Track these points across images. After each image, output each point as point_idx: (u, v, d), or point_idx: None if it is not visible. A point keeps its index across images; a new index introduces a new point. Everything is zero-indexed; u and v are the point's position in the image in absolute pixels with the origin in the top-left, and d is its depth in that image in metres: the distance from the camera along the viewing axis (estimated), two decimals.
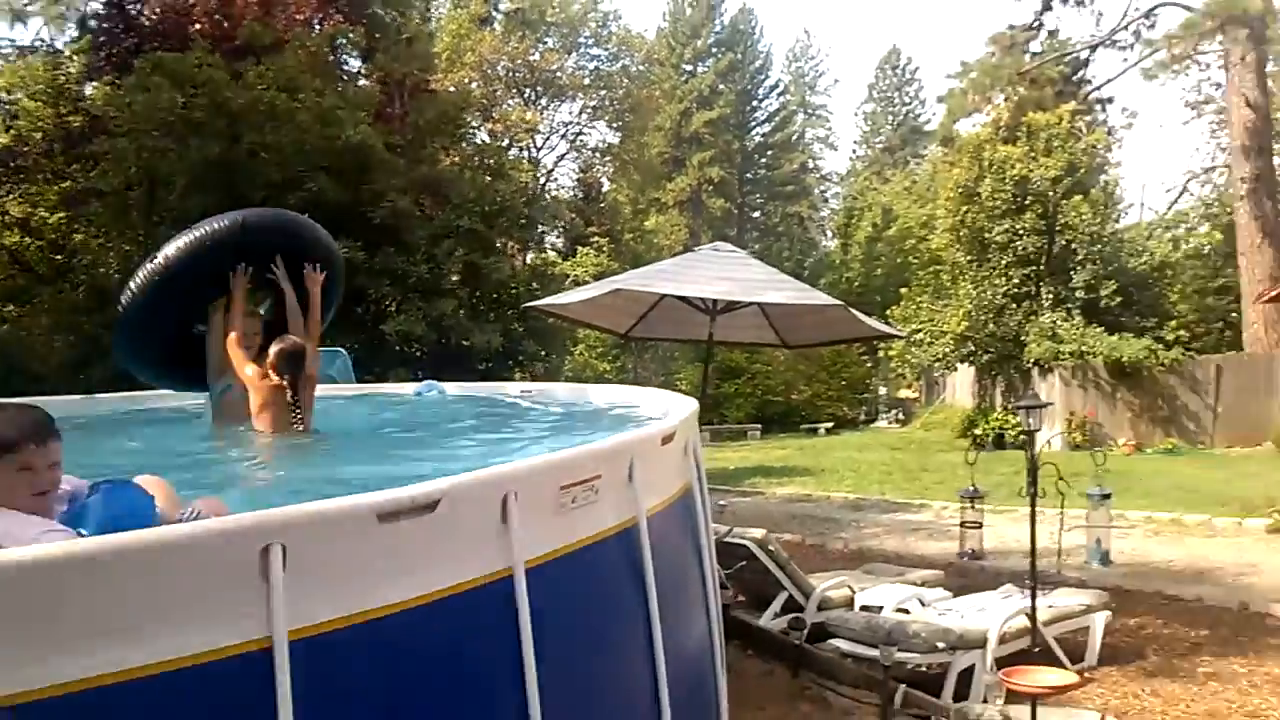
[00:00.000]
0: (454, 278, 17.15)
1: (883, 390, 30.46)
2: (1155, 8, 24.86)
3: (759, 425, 25.91)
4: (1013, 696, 4.34)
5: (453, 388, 7.08)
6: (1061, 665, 6.19)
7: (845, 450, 21.71)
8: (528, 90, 30.97)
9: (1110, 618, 6.81)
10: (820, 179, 54.99)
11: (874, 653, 5.34)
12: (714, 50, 45.11)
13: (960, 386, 25.95)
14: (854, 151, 55.67)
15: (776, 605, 7.03)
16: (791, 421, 26.78)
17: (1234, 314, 24.26)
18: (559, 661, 2.68)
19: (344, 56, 20.21)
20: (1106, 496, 10.01)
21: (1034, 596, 5.76)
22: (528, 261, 23.27)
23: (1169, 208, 34.79)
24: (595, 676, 3.01)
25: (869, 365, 29.32)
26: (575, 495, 2.92)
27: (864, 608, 6.87)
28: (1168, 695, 5.91)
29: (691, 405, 4.19)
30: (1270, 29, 22.76)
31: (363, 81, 19.45)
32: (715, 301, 7.05)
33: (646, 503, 3.24)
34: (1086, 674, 6.37)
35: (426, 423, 5.97)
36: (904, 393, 30.92)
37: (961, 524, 10.44)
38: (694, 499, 3.82)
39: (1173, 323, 22.31)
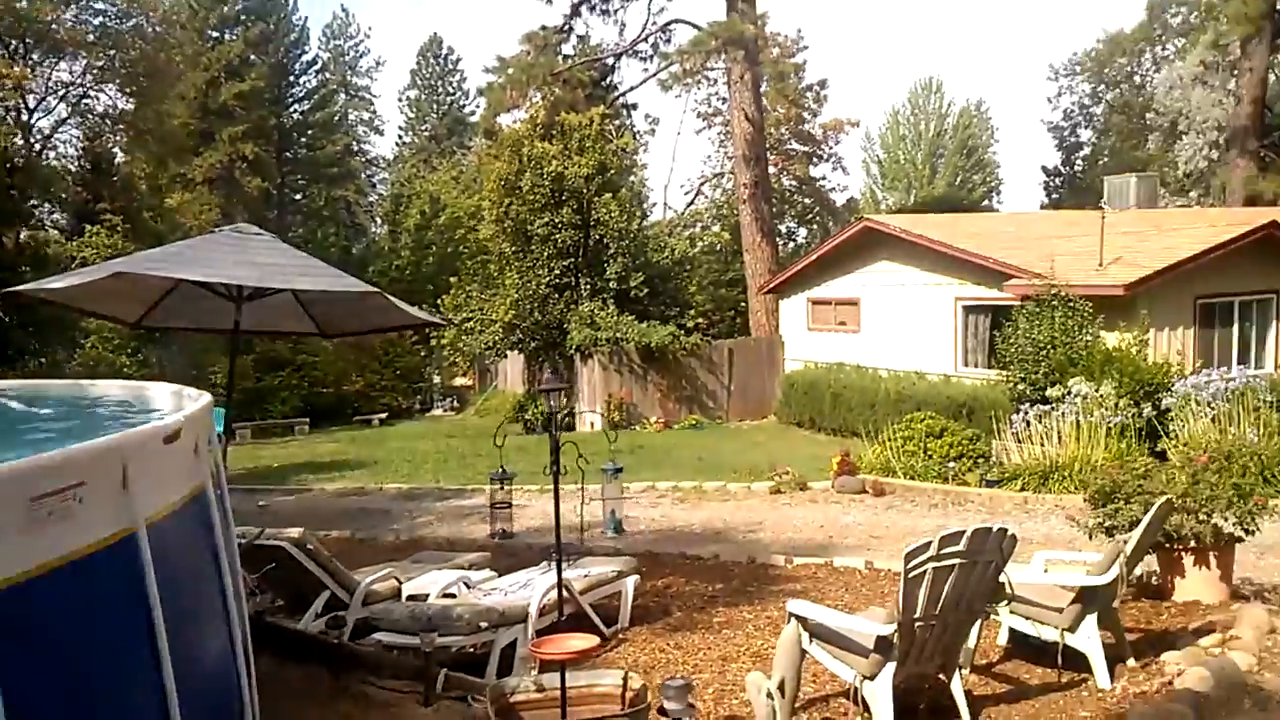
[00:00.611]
0: None
1: (437, 379, 30.54)
2: (670, 24, 27.43)
3: (307, 419, 24.77)
4: (549, 665, 4.46)
5: None
6: (597, 630, 6.59)
7: (400, 440, 21.46)
8: (14, 42, 26.70)
9: (639, 581, 7.35)
10: (367, 163, 53.85)
11: (418, 641, 5.28)
12: (243, 18, 42.08)
13: (512, 373, 26.78)
14: (400, 137, 55.26)
15: (318, 605, 6.74)
16: (343, 413, 25.94)
17: (743, 303, 27.52)
18: (43, 693, 2.37)
19: None
20: (619, 471, 10.89)
21: (559, 568, 6.03)
22: (20, 240, 20.11)
23: (686, 208, 38.74)
24: (87, 705, 2.68)
25: (423, 354, 29.22)
26: (52, 506, 2.57)
27: (411, 597, 6.79)
28: (689, 646, 6.49)
29: (203, 400, 3.79)
30: (763, 53, 26.02)
31: None
32: (240, 288, 6.52)
33: (147, 510, 2.90)
34: (620, 635, 6.82)
35: None
36: (459, 381, 31.27)
37: (491, 505, 10.77)
38: (208, 502, 3.46)
39: (692, 311, 24.79)
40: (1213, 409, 12.16)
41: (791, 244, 40.09)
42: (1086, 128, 49.64)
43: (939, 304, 18.42)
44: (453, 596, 6.74)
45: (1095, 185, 27.75)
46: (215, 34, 41.69)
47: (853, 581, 8.17)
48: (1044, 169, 50.39)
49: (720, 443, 18.70)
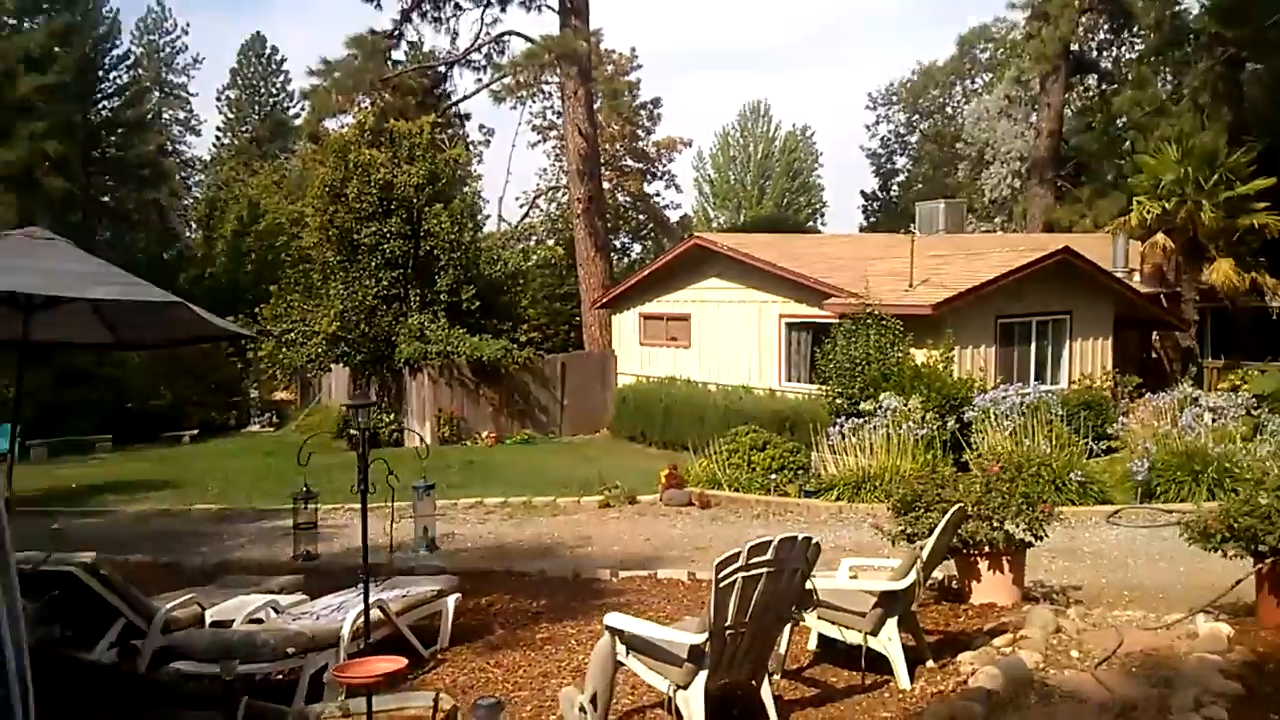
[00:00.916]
0: None
1: (255, 393, 29.20)
2: (503, 35, 27.33)
3: (110, 436, 23.23)
4: (357, 690, 4.32)
5: None
6: (415, 651, 6.43)
7: (212, 459, 20.41)
8: None
9: (460, 599, 7.22)
10: (182, 164, 51.17)
11: (219, 669, 5.00)
12: (45, 6, 39.23)
13: (336, 387, 25.91)
14: (219, 138, 52.82)
15: (112, 635, 6.31)
16: (151, 430, 24.43)
17: (577, 317, 27.60)
18: None
19: None
20: (430, 488, 10.73)
21: (366, 589, 5.86)
22: None
23: (520, 221, 38.61)
24: None
25: (240, 367, 27.87)
26: None
27: (215, 624, 6.47)
28: (509, 664, 6.41)
29: None
30: (597, 69, 26.26)
31: None
32: (30, 297, 6.06)
33: None
34: (440, 655, 6.68)
35: None
36: (279, 395, 30.02)
37: (295, 527, 10.40)
38: None
39: (526, 325, 24.68)
40: (1010, 422, 13.00)
41: (626, 259, 40.58)
42: (902, 155, 52.50)
43: (765, 321, 19.01)
44: (260, 622, 6.45)
45: (910, 210, 29.31)
46: (12, 21, 38.70)
47: (675, 593, 8.28)
48: (863, 193, 53.04)
49: (552, 457, 18.66)
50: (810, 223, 52.12)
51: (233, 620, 6.40)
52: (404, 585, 7.22)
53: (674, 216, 43.74)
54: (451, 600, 7.03)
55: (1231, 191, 19.69)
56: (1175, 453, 12.07)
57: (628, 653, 4.86)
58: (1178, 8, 34.27)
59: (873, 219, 49.60)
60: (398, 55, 29.22)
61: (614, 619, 4.89)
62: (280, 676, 6.03)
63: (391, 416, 21.16)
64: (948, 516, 5.95)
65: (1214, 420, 12.60)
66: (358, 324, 21.26)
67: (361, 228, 21.23)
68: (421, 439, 20.29)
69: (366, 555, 5.72)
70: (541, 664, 6.39)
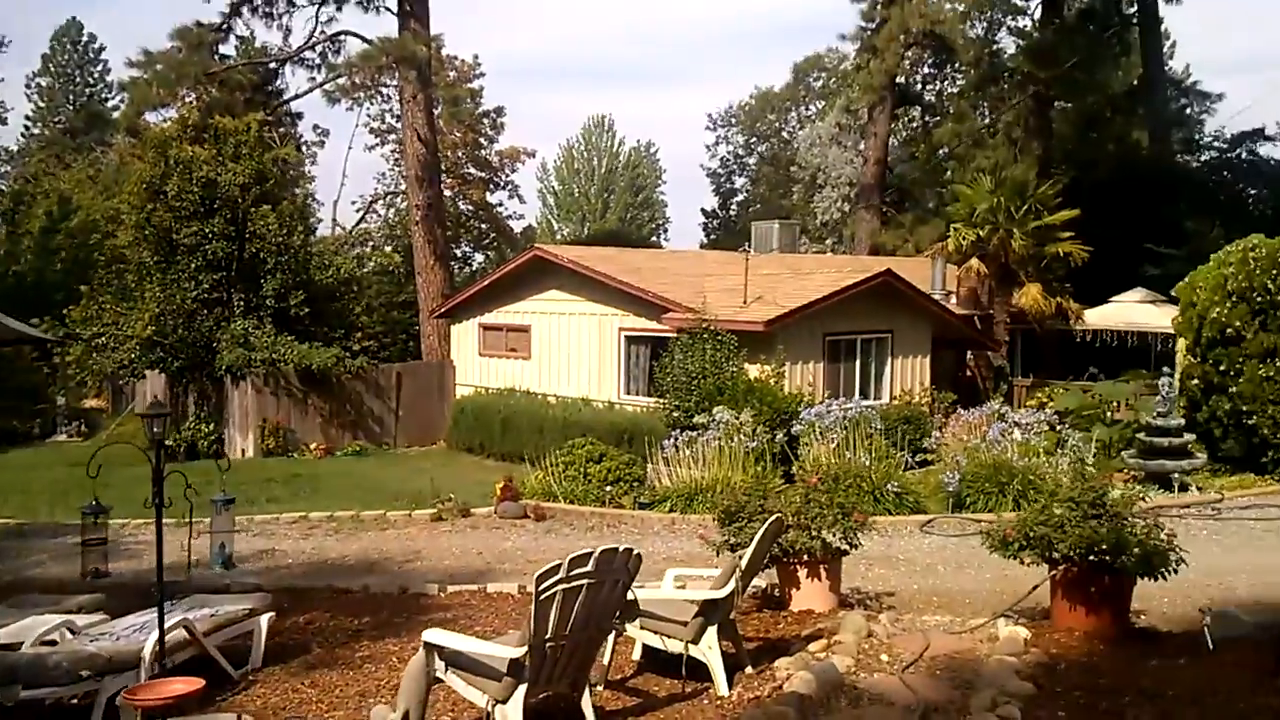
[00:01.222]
0: None
1: (62, 400, 27.24)
2: (339, 35, 26.55)
3: None
4: (153, 713, 4.06)
5: None
6: (226, 672, 6.12)
7: (13, 471, 18.90)
8: None
9: (276, 618, 6.91)
10: None
11: None
12: None
13: (152, 395, 24.46)
14: (28, 128, 49.24)
15: None
16: None
17: (415, 327, 27.01)
18: None
19: None
20: (229, 502, 10.37)
21: (161, 607, 5.58)
22: None
23: (355, 226, 37.56)
24: None
25: (45, 372, 25.96)
26: None
27: (2, 647, 5.98)
28: (325, 684, 6.17)
29: None
30: (438, 75, 25.84)
31: None
32: None
33: None
34: (251, 676, 6.37)
35: None
36: (89, 402, 28.10)
37: (83, 542, 9.84)
38: None
39: (359, 334, 23.98)
40: (835, 435, 13.49)
41: (467, 268, 40.07)
42: (741, 176, 53.94)
43: (605, 333, 19.12)
44: (54, 644, 6.00)
45: (748, 229, 30.12)
46: None
47: (505, 607, 8.18)
48: (704, 211, 54.15)
49: (385, 470, 18.19)
50: (653, 238, 52.91)
51: (21, 643, 5.94)
52: (215, 604, 6.87)
53: (518, 227, 43.63)
54: (265, 619, 6.73)
55: (1040, 221, 21.10)
56: (984, 465, 12.79)
57: (446, 669, 4.76)
58: (995, 46, 36.69)
59: (713, 236, 50.73)
60: (226, 50, 28.03)
61: (432, 635, 4.79)
62: (75, 701, 5.65)
63: (211, 426, 20.14)
64: (765, 526, 6.10)
65: (1021, 435, 13.42)
66: (176, 328, 20.17)
67: (182, 227, 20.17)
68: (255, 450, 19.45)
69: (161, 572, 5.43)
70: (360, 683, 6.19)
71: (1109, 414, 16.61)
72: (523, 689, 4.52)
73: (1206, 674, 5.46)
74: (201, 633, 6.10)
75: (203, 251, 20.27)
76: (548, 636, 4.49)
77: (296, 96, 30.56)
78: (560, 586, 4.43)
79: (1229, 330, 13.77)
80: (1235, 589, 8.75)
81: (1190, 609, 7.49)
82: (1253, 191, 30.21)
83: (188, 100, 25.04)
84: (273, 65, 27.81)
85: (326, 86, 26.82)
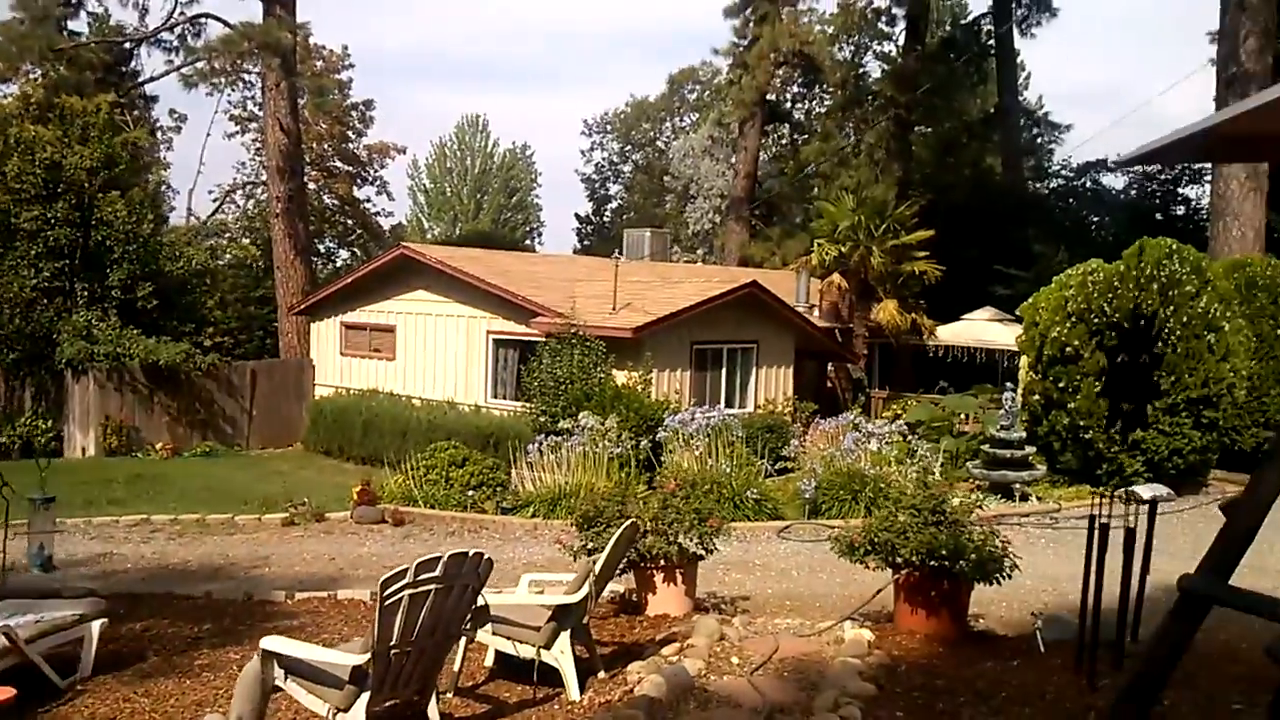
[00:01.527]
0: None
1: None
2: (200, 17, 25.44)
3: None
4: None
5: None
6: (51, 681, 5.78)
7: None
8: None
9: (109, 624, 6.56)
10: None
11: None
12: None
13: None
14: None
15: None
16: None
17: (274, 323, 26.04)
18: None
19: None
20: (49, 501, 9.92)
21: None
22: None
23: (211, 215, 36.05)
24: None
25: None
26: None
27: None
28: (160, 693, 5.88)
29: None
30: (304, 64, 25.05)
31: None
32: None
33: None
34: (79, 685, 6.03)
35: None
36: None
37: None
38: None
39: (212, 329, 23.00)
40: (699, 442, 13.67)
41: (331, 265, 38.93)
42: (615, 182, 54.27)
43: (473, 336, 18.88)
44: None
45: (621, 235, 30.30)
46: None
47: (355, 614, 7.96)
48: (577, 216, 54.24)
49: (236, 472, 17.47)
50: (527, 241, 52.60)
51: None
52: (42, 609, 6.45)
53: (387, 225, 42.63)
54: (96, 625, 6.37)
55: (898, 240, 21.93)
56: (839, 473, 13.17)
57: (286, 677, 4.60)
58: (861, 69, 38.04)
59: (587, 241, 50.85)
60: (77, 26, 26.53)
61: (269, 642, 4.62)
62: None
63: (49, 423, 18.98)
64: (620, 532, 6.12)
65: (875, 445, 13.88)
66: (12, 318, 18.97)
67: (21, 211, 19.00)
68: (96, 448, 18.39)
69: None
70: (197, 692, 5.92)
71: (956, 426, 17.34)
72: (366, 697, 4.40)
73: (1037, 675, 5.73)
74: (24, 639, 5.73)
75: (44, 238, 19.13)
76: (392, 643, 4.38)
77: (152, 79, 29.18)
78: (406, 592, 4.33)
79: (1068, 349, 14.54)
80: (1068, 594, 9.21)
81: (1025, 613, 7.85)
82: (1095, 218, 32.17)
83: (31, 76, 23.59)
84: (127, 45, 26.48)
85: (185, 70, 25.59)
